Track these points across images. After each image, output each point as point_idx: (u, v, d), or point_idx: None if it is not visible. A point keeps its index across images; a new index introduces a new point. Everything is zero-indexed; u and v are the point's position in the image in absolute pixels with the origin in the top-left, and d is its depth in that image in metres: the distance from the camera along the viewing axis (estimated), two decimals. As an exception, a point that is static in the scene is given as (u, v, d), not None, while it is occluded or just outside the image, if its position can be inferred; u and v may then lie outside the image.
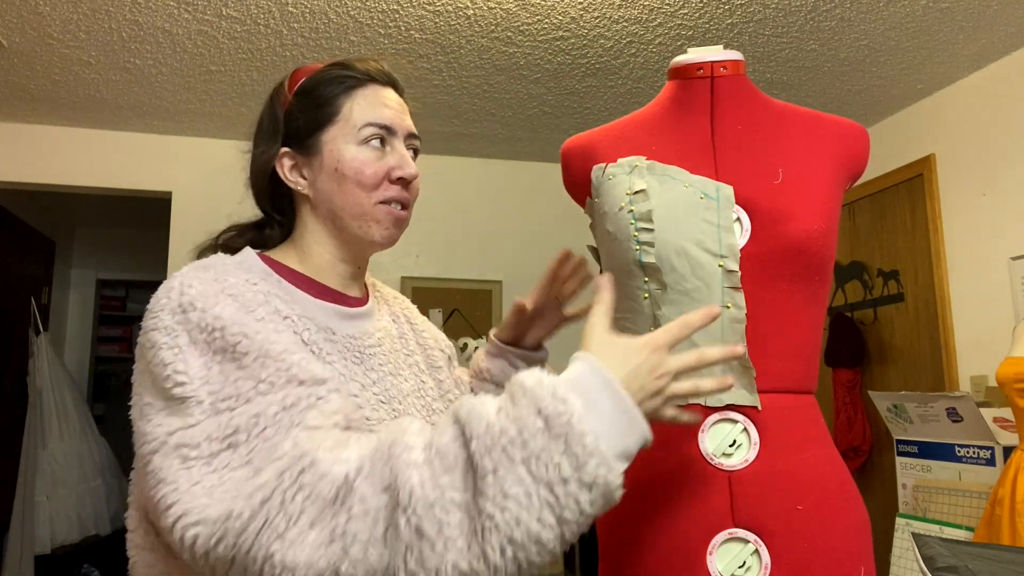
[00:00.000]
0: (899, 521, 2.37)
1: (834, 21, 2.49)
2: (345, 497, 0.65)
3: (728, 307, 0.90)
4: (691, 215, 0.92)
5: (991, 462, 2.24)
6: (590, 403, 0.68)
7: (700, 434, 0.90)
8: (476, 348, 3.67)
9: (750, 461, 0.88)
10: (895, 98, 3.11)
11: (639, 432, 0.70)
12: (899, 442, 2.56)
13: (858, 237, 3.45)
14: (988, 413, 2.31)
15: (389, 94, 0.95)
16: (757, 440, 0.88)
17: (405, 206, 0.94)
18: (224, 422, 0.71)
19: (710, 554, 0.86)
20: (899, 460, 2.55)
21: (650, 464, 0.92)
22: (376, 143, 0.91)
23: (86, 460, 3.96)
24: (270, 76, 2.89)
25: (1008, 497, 1.94)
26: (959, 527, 2.21)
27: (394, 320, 1.03)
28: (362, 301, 0.97)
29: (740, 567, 0.86)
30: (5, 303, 3.89)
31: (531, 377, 0.69)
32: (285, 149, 0.93)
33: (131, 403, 0.81)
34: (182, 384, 0.73)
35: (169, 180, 3.52)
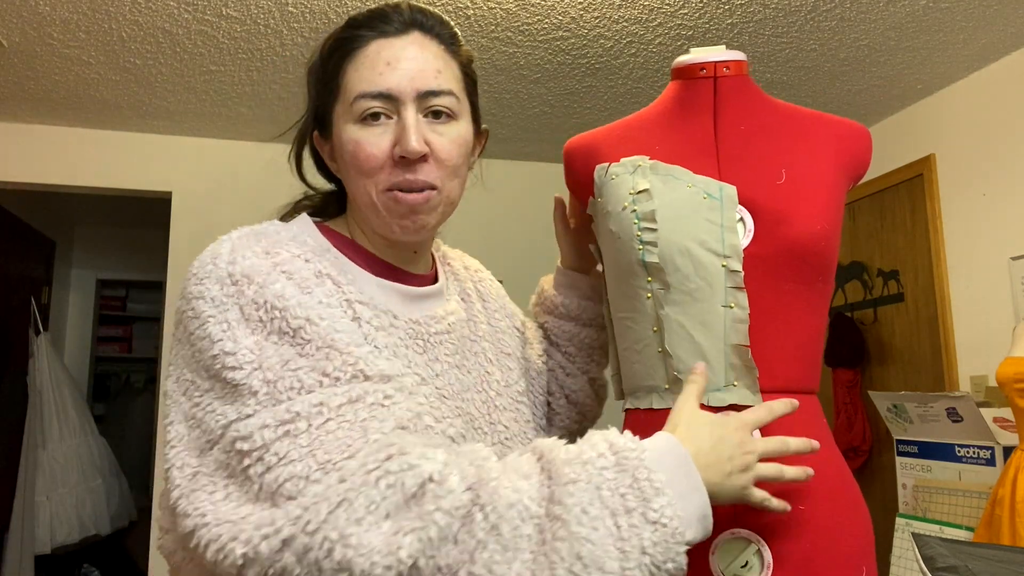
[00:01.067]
0: (899, 521, 2.37)
1: (834, 21, 2.49)
2: (433, 490, 0.61)
3: (731, 307, 0.90)
4: (694, 215, 0.92)
5: (991, 462, 2.24)
6: (662, 460, 0.67)
7: None
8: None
9: None
10: (895, 98, 3.11)
11: (700, 504, 0.68)
12: (899, 442, 2.56)
13: (858, 237, 3.45)
14: (988, 413, 2.31)
15: (401, 46, 0.78)
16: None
17: (426, 187, 0.78)
18: (282, 410, 0.64)
19: (712, 553, 0.86)
20: (899, 460, 2.55)
21: None
22: (376, 114, 0.77)
23: (86, 460, 3.96)
24: (270, 76, 2.89)
25: (1008, 497, 1.94)
26: (959, 527, 2.21)
27: (463, 299, 0.94)
28: (429, 279, 0.88)
29: (742, 567, 0.86)
30: (5, 303, 3.89)
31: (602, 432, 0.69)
32: (315, 132, 0.85)
33: (168, 374, 0.74)
34: (233, 368, 0.66)
35: (169, 180, 3.52)
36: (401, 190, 0.77)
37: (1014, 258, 2.67)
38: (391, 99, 0.76)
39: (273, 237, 0.75)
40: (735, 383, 0.90)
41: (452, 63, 0.82)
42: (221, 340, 0.67)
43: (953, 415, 2.34)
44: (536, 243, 3.90)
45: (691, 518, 0.66)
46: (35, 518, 3.68)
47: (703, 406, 0.90)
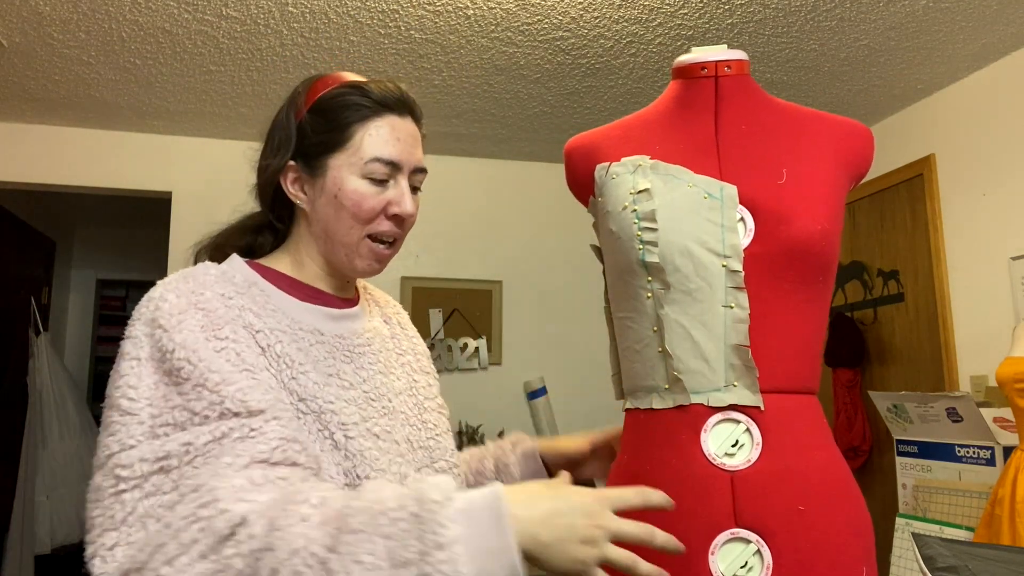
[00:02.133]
0: (899, 521, 2.37)
1: (834, 21, 2.49)
2: (239, 533, 0.66)
3: (731, 307, 0.90)
4: (695, 215, 0.92)
5: (991, 462, 2.24)
6: (470, 514, 0.66)
7: (702, 434, 0.89)
8: (476, 349, 3.67)
9: (752, 461, 0.88)
10: (895, 98, 3.11)
11: (507, 563, 0.65)
12: (899, 442, 2.56)
13: (858, 237, 3.45)
14: (988, 413, 2.31)
15: (404, 125, 0.94)
16: (760, 440, 0.88)
17: (394, 241, 0.95)
18: (158, 446, 0.73)
19: (712, 554, 0.86)
20: (899, 460, 2.55)
21: (652, 464, 0.92)
22: (380, 178, 0.91)
23: (86, 460, 3.95)
24: (270, 76, 2.89)
25: (1008, 497, 1.94)
26: (959, 527, 2.21)
27: (386, 321, 1.05)
28: (351, 303, 0.99)
29: (742, 567, 0.86)
30: (5, 303, 3.89)
31: (442, 480, 0.69)
32: (292, 163, 0.94)
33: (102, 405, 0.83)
34: (131, 399, 0.75)
35: (169, 180, 3.52)
36: (380, 241, 0.93)
37: (1014, 258, 2.67)
38: (397, 168, 0.92)
39: (201, 279, 0.86)
40: (735, 383, 0.89)
41: (421, 144, 0.99)
42: (127, 375, 0.77)
43: (953, 415, 2.34)
44: (536, 243, 3.90)
45: (482, 568, 0.64)
46: (35, 518, 3.68)
47: (705, 406, 0.90)
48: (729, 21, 2.49)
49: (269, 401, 0.78)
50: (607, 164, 1.01)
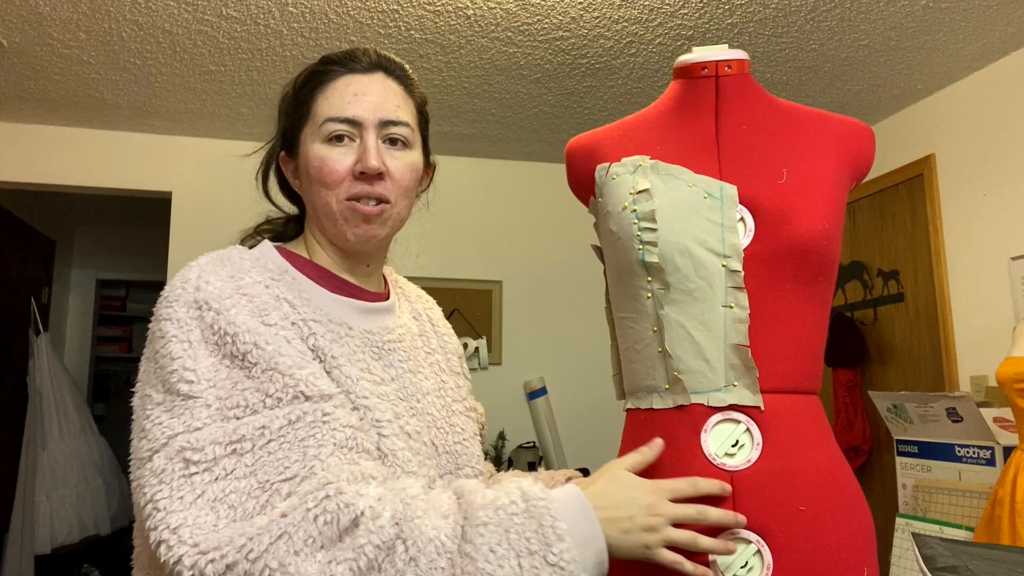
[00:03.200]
0: (899, 521, 2.37)
1: (834, 21, 2.49)
2: (366, 524, 0.68)
3: (731, 307, 0.90)
4: (695, 215, 0.92)
5: (991, 462, 2.24)
6: (567, 509, 0.75)
7: (703, 434, 0.89)
8: (476, 349, 3.67)
9: (753, 461, 0.87)
10: (895, 98, 3.11)
11: (598, 550, 0.75)
12: (899, 442, 2.56)
13: (858, 237, 3.45)
14: (988, 413, 2.31)
15: (368, 82, 0.89)
16: (760, 440, 0.88)
17: (381, 200, 0.88)
18: (231, 429, 0.72)
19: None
20: (899, 460, 2.55)
21: (654, 464, 0.92)
22: (340, 138, 0.87)
23: (86, 460, 3.96)
24: (270, 76, 2.89)
25: (1008, 497, 1.94)
26: (959, 527, 2.21)
27: (415, 318, 1.02)
28: (381, 296, 0.96)
29: (743, 567, 0.86)
30: (5, 303, 3.89)
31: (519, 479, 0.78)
32: (282, 153, 0.94)
33: (134, 389, 0.81)
34: (189, 382, 0.73)
35: (169, 180, 3.52)
36: (359, 201, 0.87)
37: (1014, 258, 2.67)
38: (356, 124, 0.87)
39: (237, 263, 0.84)
40: (735, 383, 0.89)
41: (410, 101, 0.94)
42: (181, 357, 0.75)
43: (953, 415, 2.34)
44: (536, 243, 3.90)
45: (588, 563, 0.74)
46: (35, 518, 3.68)
47: (705, 406, 0.90)
48: (729, 21, 2.49)
49: (334, 388, 0.78)
50: (607, 164, 1.01)
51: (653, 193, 0.94)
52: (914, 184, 3.14)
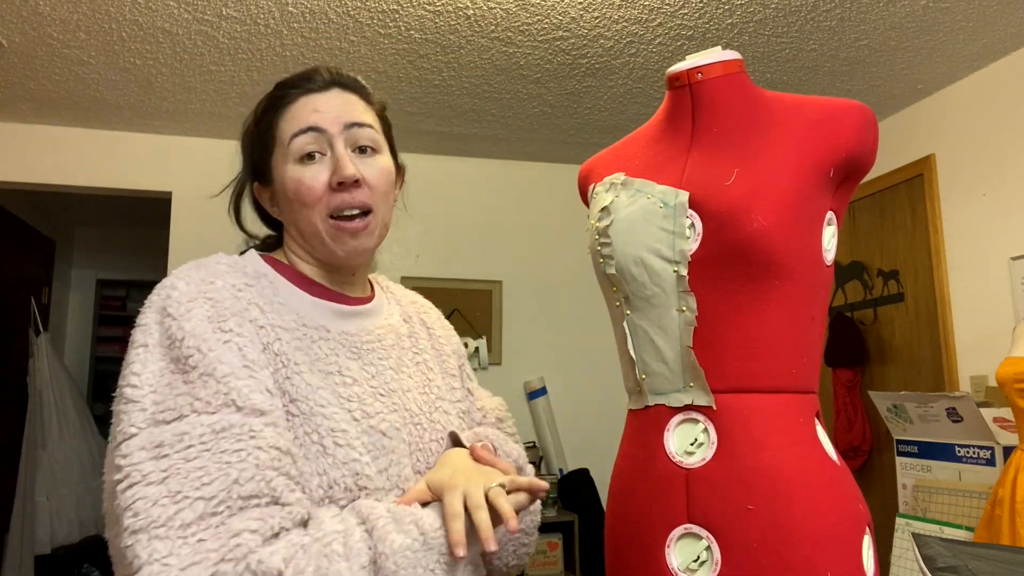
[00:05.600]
0: (899, 521, 2.37)
1: (834, 21, 2.49)
2: None
3: (683, 311, 0.94)
4: (649, 225, 0.96)
5: (991, 462, 2.24)
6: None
7: (666, 433, 0.95)
8: (476, 349, 3.67)
9: (707, 460, 0.91)
10: (895, 98, 3.11)
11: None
12: (899, 442, 2.56)
13: (858, 237, 3.45)
14: (988, 413, 2.31)
15: (326, 98, 0.90)
16: (715, 440, 0.91)
17: (365, 211, 0.89)
18: (156, 434, 0.72)
19: (668, 547, 0.91)
20: (899, 460, 2.55)
21: (628, 461, 0.99)
22: (310, 153, 0.87)
23: (86, 460, 3.96)
24: (270, 76, 2.89)
25: (1008, 497, 1.94)
26: (959, 527, 2.21)
27: (406, 320, 1.02)
28: (363, 300, 0.97)
29: (695, 561, 0.89)
30: (5, 303, 3.89)
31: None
32: (256, 184, 0.96)
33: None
34: (133, 386, 0.74)
35: (169, 180, 3.52)
36: (342, 218, 0.88)
37: (1014, 258, 2.67)
38: (321, 132, 0.88)
39: (212, 268, 0.85)
40: (691, 384, 0.93)
41: (370, 109, 0.95)
42: (134, 363, 0.76)
43: (953, 415, 2.34)
44: (536, 243, 3.91)
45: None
46: (35, 518, 3.68)
47: (667, 407, 0.96)
48: (729, 21, 2.49)
49: (269, 405, 0.77)
50: (593, 184, 1.09)
51: (615, 208, 0.99)
52: (914, 184, 3.14)
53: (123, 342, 5.50)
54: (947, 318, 2.92)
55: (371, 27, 2.53)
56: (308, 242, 0.91)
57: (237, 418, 0.73)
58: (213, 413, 0.73)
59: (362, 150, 0.90)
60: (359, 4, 2.39)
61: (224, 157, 3.59)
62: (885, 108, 3.21)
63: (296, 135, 0.88)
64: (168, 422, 0.72)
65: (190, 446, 0.71)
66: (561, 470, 3.65)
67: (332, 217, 0.88)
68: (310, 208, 0.87)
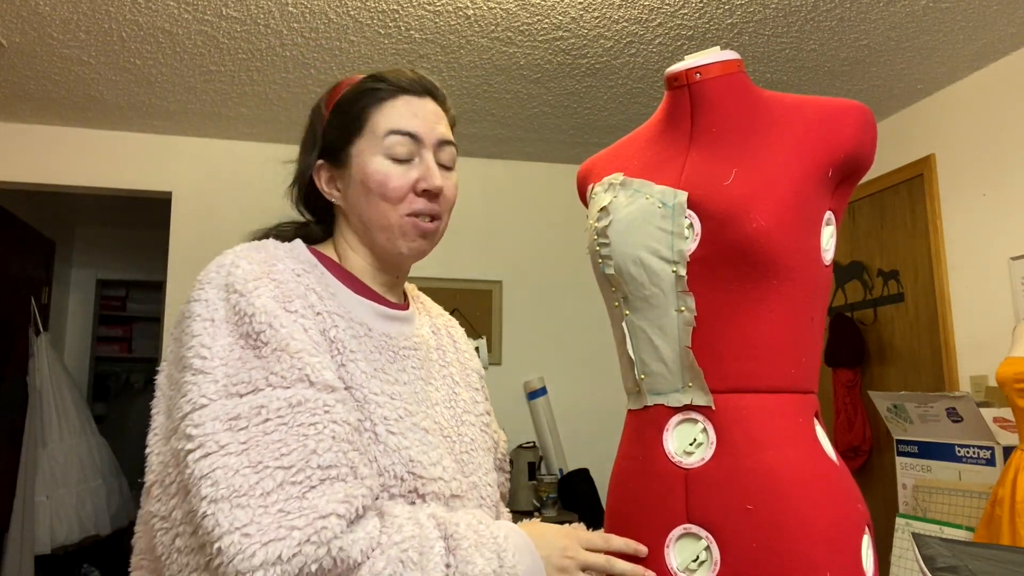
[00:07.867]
0: (899, 521, 2.37)
1: (834, 21, 2.49)
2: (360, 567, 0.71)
3: (682, 311, 0.94)
4: (647, 225, 0.96)
5: (991, 462, 2.24)
6: (522, 553, 0.83)
7: (665, 433, 0.95)
8: (476, 349, 3.68)
9: (706, 460, 0.91)
10: (895, 98, 3.11)
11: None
12: (899, 442, 2.56)
13: (858, 237, 3.45)
14: (988, 413, 2.31)
15: (421, 104, 0.95)
16: (714, 440, 0.91)
17: (435, 217, 0.94)
18: (231, 406, 0.73)
19: (667, 547, 0.91)
20: (899, 460, 2.55)
21: (628, 462, 0.99)
22: (402, 154, 0.91)
23: (86, 460, 3.95)
24: (270, 76, 2.90)
25: (1008, 497, 1.94)
26: (959, 527, 2.21)
27: (434, 332, 1.04)
28: (402, 307, 0.99)
29: (694, 561, 0.89)
30: (5, 303, 3.89)
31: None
32: (321, 161, 0.96)
33: (161, 369, 0.84)
34: (203, 358, 0.75)
35: (169, 180, 3.52)
36: (418, 217, 0.92)
37: (1014, 258, 2.67)
38: (417, 140, 0.92)
39: (272, 251, 0.88)
40: (690, 384, 0.93)
41: (449, 127, 1.00)
42: (200, 335, 0.77)
43: (953, 415, 2.34)
44: (536, 243, 3.91)
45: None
46: (35, 518, 3.68)
47: (666, 407, 0.96)
48: (729, 21, 2.49)
49: (338, 383, 0.79)
50: (592, 185, 1.08)
51: (614, 208, 0.99)
52: (914, 184, 3.14)
53: (123, 342, 5.50)
54: (947, 318, 2.92)
55: (371, 27, 2.53)
56: (371, 233, 0.93)
57: (311, 393, 0.75)
58: (288, 387, 0.74)
59: (442, 166, 0.95)
60: (359, 4, 2.39)
61: (224, 157, 3.59)
62: (885, 108, 3.21)
63: (393, 133, 0.91)
64: (242, 395, 0.73)
65: (267, 419, 0.72)
66: (561, 470, 3.65)
67: (408, 215, 0.92)
68: (391, 204, 0.91)
